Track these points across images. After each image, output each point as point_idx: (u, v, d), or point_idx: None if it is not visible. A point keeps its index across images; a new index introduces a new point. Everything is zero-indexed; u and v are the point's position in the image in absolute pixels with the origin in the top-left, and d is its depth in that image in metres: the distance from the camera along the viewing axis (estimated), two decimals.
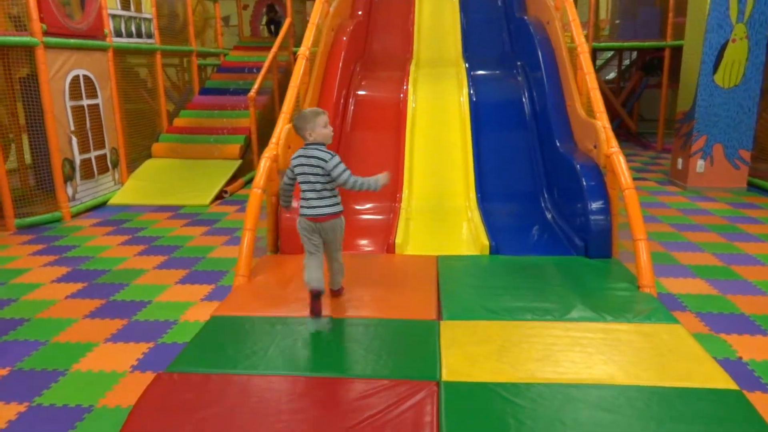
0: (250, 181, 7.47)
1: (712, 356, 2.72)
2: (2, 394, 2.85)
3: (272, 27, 11.22)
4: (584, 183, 4.15)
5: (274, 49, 8.80)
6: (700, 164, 7.01)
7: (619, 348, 2.75)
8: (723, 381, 2.48)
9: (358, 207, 4.92)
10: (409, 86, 5.95)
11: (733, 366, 3.03)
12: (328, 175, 2.99)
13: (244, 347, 2.76)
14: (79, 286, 4.24)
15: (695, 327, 3.48)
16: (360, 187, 3.02)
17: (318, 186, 3.01)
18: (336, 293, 3.32)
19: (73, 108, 6.28)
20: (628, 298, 3.33)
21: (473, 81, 6.06)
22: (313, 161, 2.99)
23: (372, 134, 5.55)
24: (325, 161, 2.97)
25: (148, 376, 2.89)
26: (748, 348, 3.25)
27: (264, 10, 11.46)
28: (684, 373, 2.54)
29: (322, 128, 3.02)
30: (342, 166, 2.98)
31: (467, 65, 6.43)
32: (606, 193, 4.08)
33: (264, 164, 4.03)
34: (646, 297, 3.34)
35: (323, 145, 3.03)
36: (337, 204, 3.08)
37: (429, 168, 5.26)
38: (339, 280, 3.30)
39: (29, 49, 5.73)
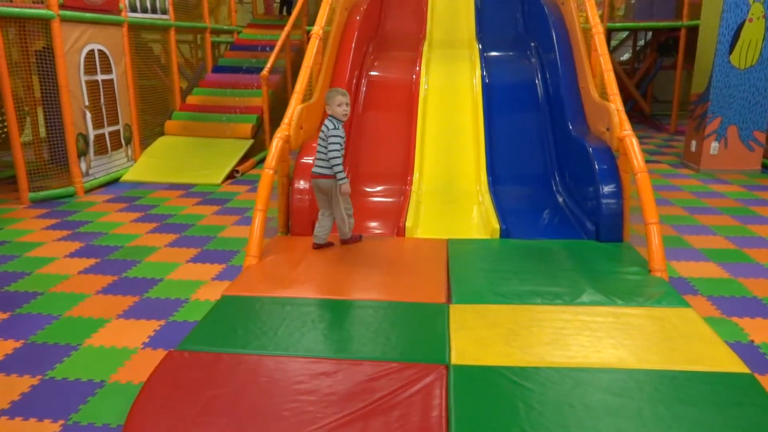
0: (261, 161, 7.44)
1: (724, 340, 2.68)
2: (16, 366, 2.87)
3: (285, 8, 11.07)
4: (596, 166, 4.08)
5: (287, 28, 8.70)
6: (714, 146, 6.89)
7: (629, 332, 2.72)
8: (734, 364, 2.44)
9: (368, 189, 4.88)
10: (421, 67, 5.86)
11: (744, 349, 2.99)
12: (326, 141, 3.58)
13: (254, 327, 2.75)
14: (91, 261, 4.25)
15: (707, 311, 3.43)
16: (332, 167, 3.57)
17: (320, 149, 3.63)
18: (346, 241, 3.82)
19: (87, 83, 6.26)
20: (639, 282, 3.29)
21: (486, 62, 5.96)
22: (322, 128, 3.63)
23: (384, 115, 5.48)
24: (324, 130, 3.60)
25: (159, 354, 2.89)
26: (760, 331, 3.21)
27: None
28: (695, 357, 2.51)
29: (335, 106, 3.61)
30: (333, 140, 3.55)
31: (480, 46, 6.32)
32: (618, 176, 4.01)
33: (276, 144, 3.99)
34: (657, 281, 3.29)
35: (338, 120, 3.62)
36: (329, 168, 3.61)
37: (440, 150, 5.20)
38: (344, 231, 3.78)
39: (45, 22, 5.70)
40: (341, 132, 3.58)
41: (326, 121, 3.61)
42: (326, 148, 3.56)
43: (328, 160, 3.56)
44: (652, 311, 2.92)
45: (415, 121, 5.33)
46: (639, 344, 2.62)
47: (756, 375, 2.37)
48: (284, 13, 10.99)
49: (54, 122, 6.00)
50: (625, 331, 2.73)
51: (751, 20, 6.51)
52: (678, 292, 3.19)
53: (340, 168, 3.57)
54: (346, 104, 3.61)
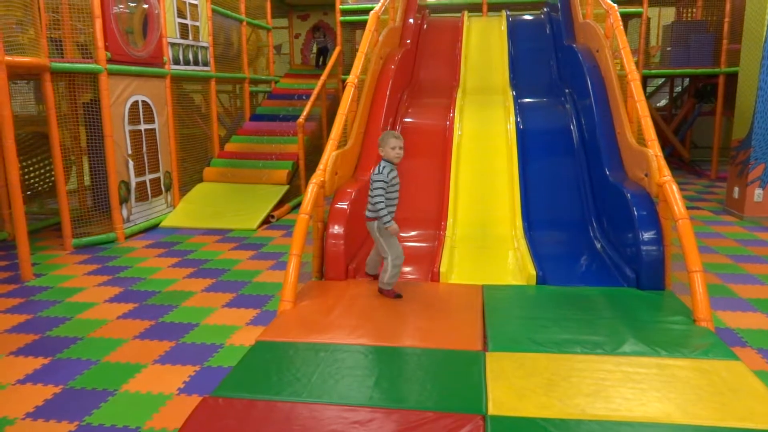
0: (297, 207, 7.54)
1: None
2: (54, 412, 2.90)
3: (321, 59, 11.40)
4: (635, 212, 4.03)
5: (323, 77, 8.94)
6: (758, 193, 6.73)
7: (674, 385, 2.62)
8: None
9: (402, 234, 4.89)
10: (455, 113, 5.94)
11: None
12: (372, 183, 3.70)
13: (288, 374, 2.74)
14: (130, 306, 4.32)
15: (757, 364, 3.29)
16: (374, 207, 3.66)
17: (369, 192, 3.75)
18: (382, 292, 3.79)
19: (131, 132, 6.49)
20: (684, 332, 3.19)
21: (520, 108, 6.00)
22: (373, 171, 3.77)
23: (418, 161, 5.53)
24: (372, 173, 3.73)
25: (194, 400, 2.89)
26: None
27: (313, 36, 11.66)
28: (746, 413, 2.40)
29: (389, 149, 3.70)
30: (376, 185, 3.64)
31: (514, 93, 6.38)
32: (658, 222, 3.94)
33: (311, 190, 4.05)
34: (702, 331, 3.19)
35: (390, 163, 3.71)
36: (374, 211, 3.69)
37: (474, 195, 5.20)
38: (383, 278, 3.75)
39: (93, 76, 5.97)
40: (385, 175, 3.64)
41: (377, 166, 3.74)
42: (371, 190, 3.68)
43: (373, 203, 3.66)
44: (698, 363, 2.81)
45: (449, 167, 5.36)
46: (686, 398, 2.52)
47: None
48: (320, 64, 11.31)
49: (98, 170, 6.22)
50: (670, 383, 2.64)
51: None
52: (725, 343, 3.07)
53: (383, 210, 3.63)
54: (400, 147, 3.69)
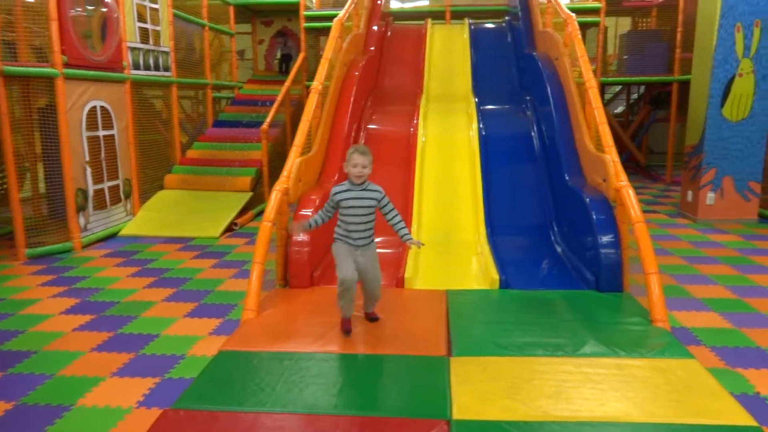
0: (260, 214, 7.47)
1: (729, 392, 2.65)
2: (5, 430, 2.80)
3: (284, 66, 11.32)
4: (594, 216, 4.11)
5: (287, 83, 8.89)
6: (710, 196, 6.94)
7: (633, 384, 2.68)
8: (741, 417, 2.41)
9: None
10: (419, 120, 5.97)
11: (751, 401, 2.93)
12: None
13: (251, 384, 2.70)
14: (87, 318, 4.20)
15: (711, 362, 3.38)
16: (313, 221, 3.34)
17: None
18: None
19: (88, 138, 6.34)
20: (641, 332, 3.26)
21: (483, 115, 6.07)
22: None
23: (382, 167, 5.52)
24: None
25: (154, 413, 2.82)
26: (766, 382, 3.15)
27: (278, 42, 11.56)
28: (701, 410, 2.47)
29: (350, 166, 3.29)
30: (328, 201, 3.33)
31: (477, 100, 6.45)
32: (616, 226, 4.03)
33: (275, 197, 4.02)
34: (659, 331, 3.27)
35: (350, 182, 3.31)
36: (335, 232, 3.39)
37: (438, 201, 5.23)
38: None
39: (49, 80, 5.81)
40: (332, 193, 3.29)
41: None
42: None
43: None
44: (655, 362, 2.88)
45: (413, 173, 5.39)
46: (644, 397, 2.58)
47: (764, 428, 2.33)
48: (283, 70, 11.23)
49: (54, 178, 6.05)
50: (628, 383, 2.69)
51: (741, 75, 6.68)
52: (681, 342, 3.15)
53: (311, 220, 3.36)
54: (363, 166, 3.24)
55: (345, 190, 3.27)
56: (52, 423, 2.84)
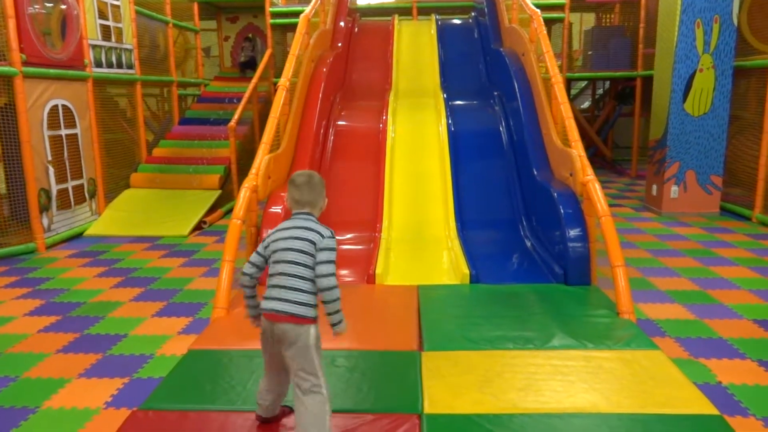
0: (229, 212, 7.39)
1: (693, 381, 2.72)
2: None
3: (247, 71, 10.98)
4: (561, 210, 4.18)
5: (254, 80, 8.81)
6: (673, 190, 7.10)
7: (600, 376, 2.74)
8: (704, 406, 2.48)
9: (337, 237, 4.88)
10: (388, 116, 5.98)
11: (713, 390, 3.01)
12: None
13: (222, 382, 2.68)
14: (52, 319, 4.12)
15: (675, 352, 3.47)
16: (329, 294, 2.22)
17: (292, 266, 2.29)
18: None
19: (50, 138, 6.19)
20: (608, 324, 3.33)
21: (451, 111, 6.11)
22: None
23: (352, 164, 5.54)
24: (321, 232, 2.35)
25: (123, 413, 2.78)
26: (728, 372, 3.24)
27: (243, 45, 11.35)
28: (665, 400, 2.53)
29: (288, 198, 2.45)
30: (328, 251, 2.25)
31: (445, 95, 6.49)
32: (583, 220, 4.10)
33: (244, 194, 3.99)
34: (625, 323, 3.34)
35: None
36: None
37: (409, 197, 5.25)
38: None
39: (8, 79, 5.65)
40: (276, 231, 2.32)
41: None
42: (319, 257, 2.22)
43: (326, 285, 2.19)
44: (621, 354, 2.95)
45: (383, 169, 5.40)
46: (610, 388, 2.63)
47: (725, 416, 2.40)
48: (245, 74, 10.90)
49: (15, 178, 5.89)
50: (596, 374, 2.75)
51: (701, 70, 6.84)
52: (646, 334, 3.23)
53: (334, 298, 2.23)
54: (294, 201, 2.37)
55: (279, 230, 2.34)
56: (17, 425, 2.78)
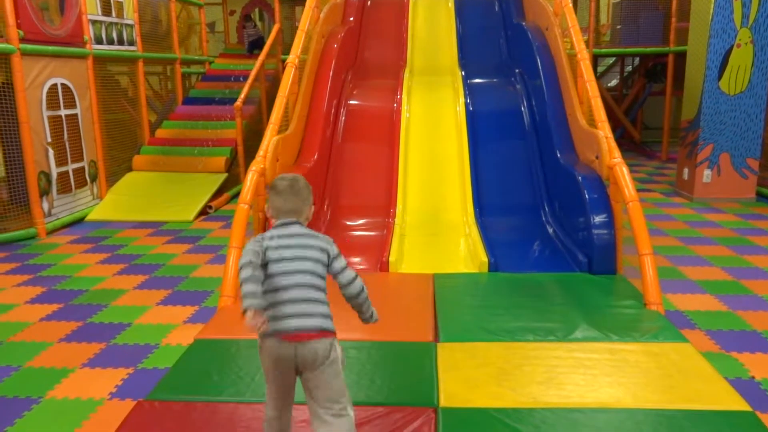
0: (236, 196, 7.43)
1: (723, 376, 2.71)
2: None
3: (254, 51, 10.95)
4: (586, 196, 4.16)
5: (261, 57, 8.82)
6: (706, 174, 7.04)
7: (625, 369, 2.74)
8: (735, 402, 2.47)
9: (349, 223, 4.91)
10: (402, 95, 5.96)
11: (745, 386, 3.02)
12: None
13: (229, 372, 2.72)
14: (54, 307, 4.19)
15: (705, 345, 3.47)
16: (358, 299, 2.24)
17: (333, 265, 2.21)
18: None
19: (50, 118, 6.26)
20: (634, 316, 3.33)
21: (470, 90, 6.07)
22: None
23: (364, 146, 5.54)
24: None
25: (128, 404, 2.84)
26: (761, 367, 3.24)
27: (245, 25, 11.26)
28: (694, 395, 2.53)
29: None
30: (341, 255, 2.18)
31: (463, 73, 6.45)
32: (609, 205, 4.08)
33: (251, 178, 4.01)
34: (653, 315, 3.33)
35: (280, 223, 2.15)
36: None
37: (424, 181, 5.25)
38: None
39: (5, 57, 5.71)
40: (272, 238, 2.06)
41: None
42: (334, 262, 2.14)
43: (358, 292, 2.19)
44: (648, 347, 2.94)
45: (397, 151, 5.39)
46: (636, 382, 2.64)
47: (758, 413, 2.39)
48: (252, 53, 10.88)
49: (14, 160, 5.97)
50: (621, 368, 2.75)
51: (739, 46, 6.74)
52: (675, 326, 3.22)
53: (368, 305, 2.28)
54: (276, 209, 2.15)
55: (272, 238, 2.10)
56: (20, 416, 2.85)
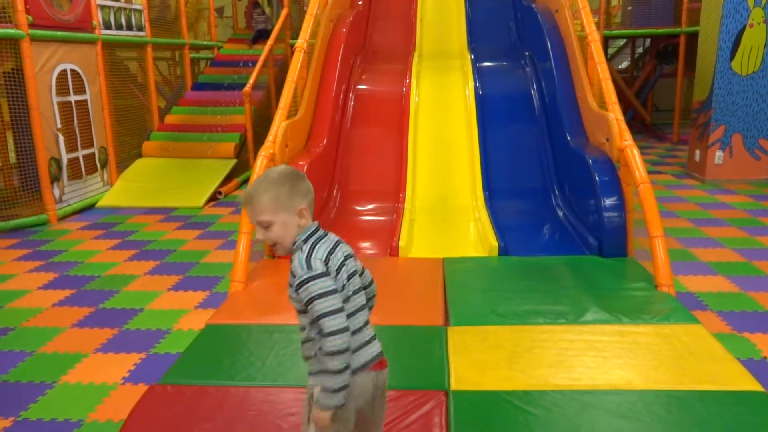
0: (245, 182, 7.45)
1: (736, 357, 2.69)
2: None
3: (258, 42, 10.81)
4: (597, 178, 4.13)
5: (270, 43, 8.78)
6: (718, 155, 6.97)
7: (636, 351, 2.73)
8: (747, 382, 2.45)
9: (358, 208, 4.91)
10: (411, 80, 5.92)
11: (757, 366, 3.00)
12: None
13: (240, 357, 2.73)
14: (66, 293, 4.23)
15: (717, 327, 3.45)
16: (328, 348, 1.62)
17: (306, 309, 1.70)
18: None
19: (59, 104, 6.27)
20: (645, 298, 3.31)
21: (479, 73, 6.03)
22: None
23: (373, 130, 5.52)
24: (298, 266, 1.70)
25: (141, 389, 2.87)
26: None
27: (253, 14, 11.16)
28: (706, 376, 2.52)
29: (298, 203, 1.74)
30: (317, 290, 1.64)
31: (473, 57, 6.40)
32: (620, 188, 4.05)
33: (260, 163, 4.01)
34: (664, 296, 3.31)
35: (320, 235, 1.74)
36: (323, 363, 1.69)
37: (433, 165, 5.23)
38: None
39: (14, 42, 5.71)
40: (317, 263, 1.66)
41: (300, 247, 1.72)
42: (311, 304, 1.64)
43: (329, 348, 1.61)
44: (659, 329, 2.93)
45: (407, 136, 5.37)
46: (647, 364, 2.63)
47: None
48: (258, 43, 10.71)
49: (24, 147, 6.00)
50: (632, 350, 2.74)
51: (751, 25, 6.64)
52: (686, 307, 3.21)
53: (341, 361, 1.63)
54: (308, 206, 1.73)
55: (334, 247, 1.72)
56: (35, 401, 2.88)
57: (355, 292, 1.74)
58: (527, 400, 2.36)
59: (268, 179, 1.73)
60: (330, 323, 1.60)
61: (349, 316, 1.68)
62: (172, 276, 4.51)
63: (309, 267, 1.64)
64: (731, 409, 2.29)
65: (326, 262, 1.67)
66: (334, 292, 1.62)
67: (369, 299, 1.89)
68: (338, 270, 1.69)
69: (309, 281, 1.62)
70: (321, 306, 1.61)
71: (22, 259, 4.96)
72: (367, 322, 1.78)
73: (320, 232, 1.73)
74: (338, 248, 1.72)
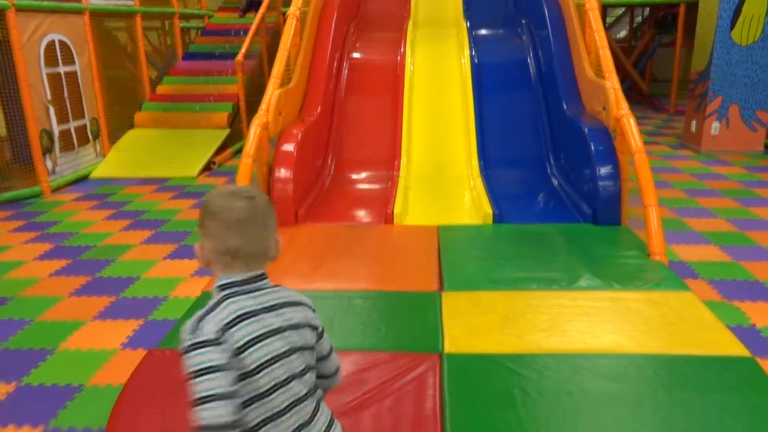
0: (239, 151, 7.46)
1: (725, 324, 2.76)
2: None
3: (247, 12, 10.60)
4: (592, 147, 4.17)
5: (261, 10, 8.71)
6: (714, 126, 7.01)
7: (627, 317, 2.80)
8: (735, 348, 2.52)
9: (353, 176, 4.95)
10: (406, 48, 5.92)
11: (746, 333, 3.09)
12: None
13: None
14: (63, 263, 4.28)
15: (707, 294, 3.53)
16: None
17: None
18: None
19: (49, 75, 6.25)
20: (638, 266, 3.37)
21: (475, 41, 6.02)
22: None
23: (368, 99, 5.53)
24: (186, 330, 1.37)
25: (140, 354, 2.93)
26: (762, 315, 3.31)
27: None
28: (695, 341, 2.58)
29: (211, 239, 1.43)
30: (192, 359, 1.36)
31: (468, 24, 6.39)
32: (615, 157, 4.10)
33: (254, 132, 4.03)
34: (656, 265, 3.38)
35: (234, 285, 1.45)
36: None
37: (429, 134, 5.26)
38: None
39: (0, 13, 5.68)
40: (208, 330, 1.34)
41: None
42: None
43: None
44: (650, 295, 3.00)
45: (401, 104, 5.39)
46: (638, 329, 2.69)
47: (757, 359, 2.45)
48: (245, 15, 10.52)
49: (15, 119, 5.99)
50: (623, 315, 2.81)
51: None
52: (678, 275, 3.28)
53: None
54: (230, 253, 1.41)
55: (236, 313, 1.37)
56: (36, 366, 2.95)
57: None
58: (520, 363, 2.43)
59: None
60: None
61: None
62: (168, 245, 4.56)
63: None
64: (719, 373, 2.36)
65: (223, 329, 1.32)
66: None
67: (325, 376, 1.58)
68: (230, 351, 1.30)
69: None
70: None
71: (17, 231, 4.99)
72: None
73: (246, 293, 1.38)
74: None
